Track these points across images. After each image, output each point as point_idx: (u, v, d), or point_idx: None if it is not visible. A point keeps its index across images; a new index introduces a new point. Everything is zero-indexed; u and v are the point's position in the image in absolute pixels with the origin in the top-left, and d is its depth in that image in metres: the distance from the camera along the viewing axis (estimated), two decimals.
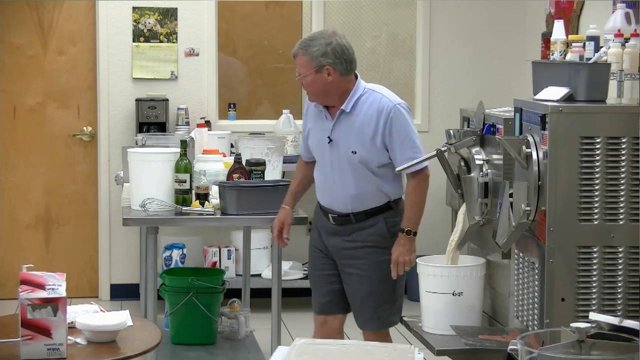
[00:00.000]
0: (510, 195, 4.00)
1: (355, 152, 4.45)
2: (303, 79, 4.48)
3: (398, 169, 4.46)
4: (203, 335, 5.89)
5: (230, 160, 5.44)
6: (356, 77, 4.53)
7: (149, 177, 5.14)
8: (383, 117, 4.42)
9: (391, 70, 7.66)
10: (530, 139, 3.97)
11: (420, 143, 4.49)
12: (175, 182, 5.13)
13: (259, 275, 7.13)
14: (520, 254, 4.14)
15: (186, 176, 5.13)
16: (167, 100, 7.23)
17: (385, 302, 4.55)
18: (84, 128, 7.47)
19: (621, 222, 3.87)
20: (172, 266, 6.88)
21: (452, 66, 7.56)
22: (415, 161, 4.42)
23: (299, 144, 7.20)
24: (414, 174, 4.46)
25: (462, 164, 4.49)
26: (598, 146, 3.84)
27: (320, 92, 4.48)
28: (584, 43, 4.55)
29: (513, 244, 4.11)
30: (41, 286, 3.59)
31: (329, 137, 4.51)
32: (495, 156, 4.30)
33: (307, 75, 4.45)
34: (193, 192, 5.18)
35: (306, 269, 7.04)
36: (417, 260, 4.56)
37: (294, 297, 7.00)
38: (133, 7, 7.31)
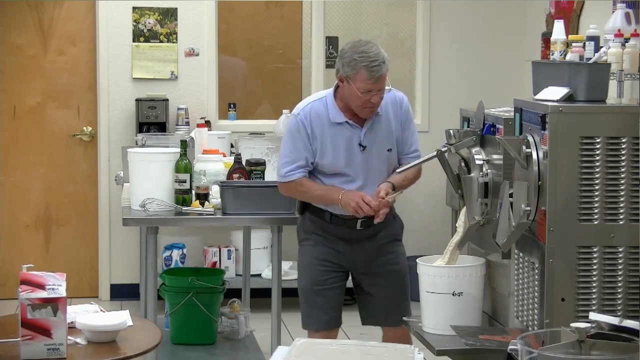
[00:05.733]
0: (510, 195, 4.00)
1: (390, 150, 4.55)
2: (382, 92, 4.46)
3: (399, 170, 4.51)
4: (203, 335, 5.89)
5: (230, 160, 5.44)
6: None
7: (149, 177, 5.14)
8: (402, 109, 4.59)
9: (391, 70, 7.61)
10: (530, 139, 3.97)
11: None
12: (175, 182, 5.13)
13: (259, 275, 7.13)
14: (520, 254, 4.14)
15: (186, 176, 5.13)
16: (167, 100, 7.23)
17: (408, 294, 4.71)
18: (84, 128, 7.47)
19: (621, 222, 3.86)
20: (172, 266, 6.89)
21: (452, 66, 7.56)
22: (416, 162, 4.50)
23: None
24: None
25: (462, 164, 4.49)
26: (598, 146, 3.84)
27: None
28: (584, 43, 4.54)
29: (513, 244, 4.11)
30: (41, 286, 3.59)
31: (360, 145, 4.50)
32: (495, 156, 4.29)
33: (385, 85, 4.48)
34: (193, 192, 5.18)
35: None
36: (417, 260, 4.56)
37: (294, 297, 6.97)
38: (133, 7, 7.31)
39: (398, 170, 4.53)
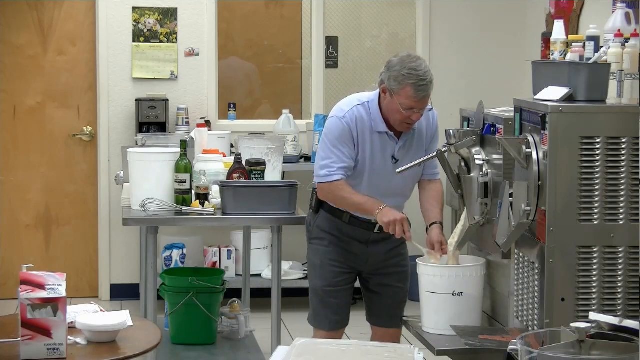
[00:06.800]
0: (510, 195, 4.00)
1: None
2: (424, 110, 4.41)
3: (400, 170, 4.50)
4: (203, 335, 5.89)
5: (230, 160, 5.44)
6: None
7: (149, 177, 5.14)
8: (433, 123, 4.56)
9: None
10: (530, 139, 3.97)
11: None
12: (175, 182, 5.13)
13: (259, 275, 7.13)
14: (520, 254, 4.14)
15: (186, 176, 5.13)
16: (167, 100, 7.23)
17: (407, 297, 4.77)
18: (84, 128, 7.47)
19: (621, 222, 3.87)
20: (172, 266, 6.88)
21: (452, 66, 7.56)
22: (417, 162, 4.49)
23: (299, 144, 7.22)
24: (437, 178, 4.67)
25: (462, 164, 4.49)
26: (598, 146, 3.84)
27: None
28: (584, 43, 4.54)
29: (513, 244, 4.11)
30: (41, 286, 3.59)
31: (393, 157, 4.49)
32: (495, 156, 4.29)
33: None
34: (193, 192, 5.18)
35: (306, 269, 7.03)
36: (417, 260, 4.57)
37: (294, 297, 7.00)
38: (133, 7, 7.31)
39: (398, 171, 4.51)
